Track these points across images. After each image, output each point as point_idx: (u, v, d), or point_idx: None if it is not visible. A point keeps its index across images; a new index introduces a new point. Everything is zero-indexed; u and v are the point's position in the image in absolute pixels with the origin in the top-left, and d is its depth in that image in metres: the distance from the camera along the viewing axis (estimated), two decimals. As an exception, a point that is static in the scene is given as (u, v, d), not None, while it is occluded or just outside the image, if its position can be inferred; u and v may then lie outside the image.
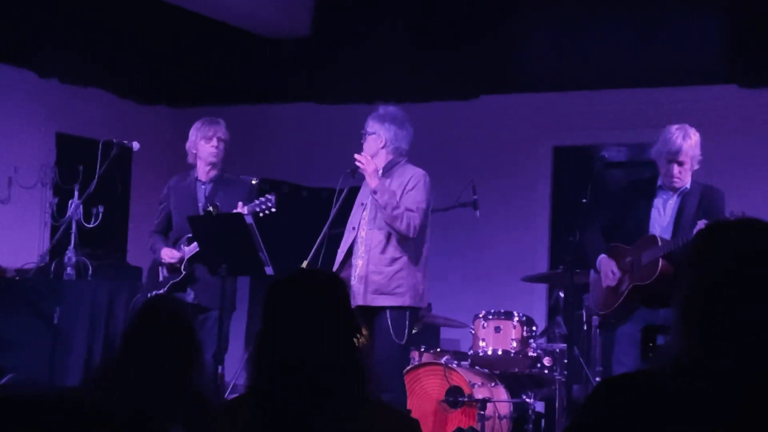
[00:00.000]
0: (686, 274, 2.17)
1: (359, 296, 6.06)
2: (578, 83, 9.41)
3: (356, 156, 6.14)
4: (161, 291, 6.58)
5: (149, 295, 6.61)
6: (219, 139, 6.73)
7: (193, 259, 6.56)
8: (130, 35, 9.84)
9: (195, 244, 6.51)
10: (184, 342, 3.49)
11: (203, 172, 6.75)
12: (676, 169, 6.04)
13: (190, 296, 6.54)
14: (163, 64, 10.31)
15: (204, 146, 6.73)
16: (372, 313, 6.07)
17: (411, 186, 6.12)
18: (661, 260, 5.97)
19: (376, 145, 6.24)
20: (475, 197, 7.94)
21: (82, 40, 9.53)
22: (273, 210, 6.35)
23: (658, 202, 6.17)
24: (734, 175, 8.68)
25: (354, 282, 6.14)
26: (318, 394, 2.79)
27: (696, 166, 6.08)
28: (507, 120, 9.74)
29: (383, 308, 6.05)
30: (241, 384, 7.63)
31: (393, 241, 6.10)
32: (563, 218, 9.24)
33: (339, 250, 6.31)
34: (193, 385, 3.46)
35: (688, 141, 6.01)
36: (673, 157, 6.03)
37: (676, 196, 6.13)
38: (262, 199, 6.36)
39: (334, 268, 6.17)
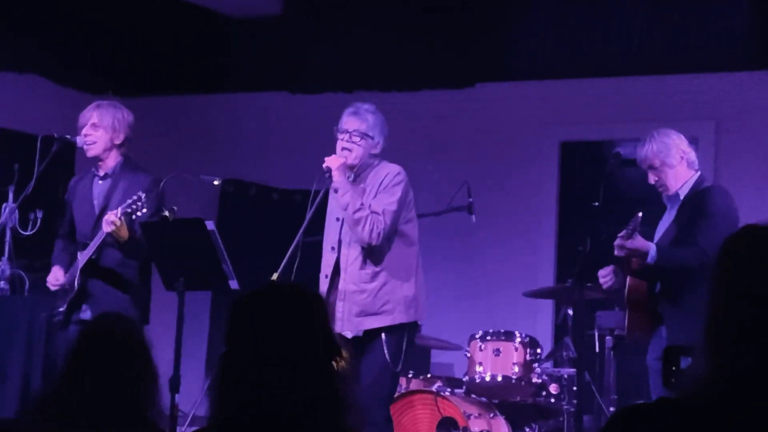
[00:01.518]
0: (711, 287, 2.18)
1: (345, 321, 6.06)
2: (588, 69, 9.43)
3: (327, 159, 6.15)
4: (62, 309, 6.54)
5: (54, 312, 6.59)
6: (94, 126, 6.59)
7: (88, 270, 6.52)
8: (73, 14, 9.81)
9: (86, 251, 6.47)
10: (135, 367, 3.48)
11: (99, 166, 6.71)
12: (649, 176, 6.34)
13: (86, 313, 6.49)
14: (111, 47, 10.28)
15: (79, 138, 6.67)
16: (363, 335, 6.07)
17: (384, 186, 6.12)
18: (628, 278, 6.28)
19: (368, 152, 6.23)
20: (471, 200, 7.95)
21: (17, 20, 9.50)
22: (144, 211, 6.27)
23: (665, 214, 6.44)
24: (762, 169, 8.73)
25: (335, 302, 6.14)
26: (290, 427, 2.79)
27: (676, 165, 6.27)
28: (507, 111, 9.75)
29: (377, 330, 6.05)
30: (201, 415, 7.62)
31: (372, 253, 6.10)
32: (572, 224, 9.25)
33: (321, 275, 6.27)
34: (147, 415, 3.45)
35: (648, 146, 6.32)
36: (641, 163, 6.39)
37: (672, 204, 6.36)
38: (134, 197, 6.29)
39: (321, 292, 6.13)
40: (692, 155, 6.30)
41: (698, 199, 6.21)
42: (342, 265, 6.18)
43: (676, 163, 6.25)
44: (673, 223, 6.25)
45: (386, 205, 6.07)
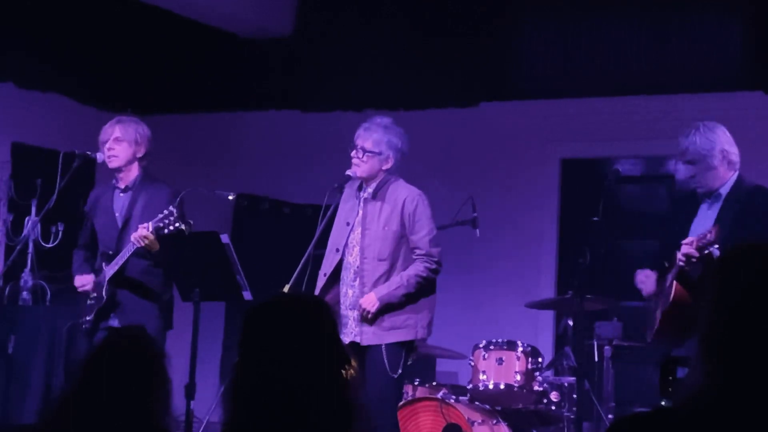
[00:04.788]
0: (706, 299, 2.18)
1: (365, 334, 6.09)
2: (588, 89, 9.42)
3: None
4: (89, 318, 6.54)
5: (81, 320, 6.60)
6: (117, 140, 6.61)
7: (115, 280, 6.52)
8: (92, 35, 9.84)
9: (114, 263, 6.48)
10: (151, 376, 3.47)
11: (120, 179, 6.73)
12: (683, 170, 5.90)
13: (114, 321, 6.49)
14: (129, 66, 10.31)
15: (103, 152, 6.69)
16: (364, 346, 6.10)
17: (411, 219, 6.16)
18: (675, 283, 5.79)
19: (378, 167, 6.24)
20: (475, 214, 7.93)
21: (40, 41, 9.52)
22: (177, 225, 6.28)
23: (700, 212, 5.97)
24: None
25: (346, 311, 6.15)
26: (302, 433, 2.78)
27: (717, 165, 5.82)
28: (510, 129, 9.75)
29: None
30: (215, 421, 7.61)
31: (397, 271, 6.14)
32: (572, 238, 9.24)
33: (320, 272, 6.30)
34: (161, 423, 3.45)
35: (695, 137, 5.85)
36: (680, 156, 5.92)
37: (712, 201, 5.91)
38: (165, 212, 6.31)
39: (316, 293, 6.17)
40: (734, 155, 5.86)
41: (748, 199, 5.77)
42: (359, 278, 6.17)
43: (717, 164, 5.82)
44: (719, 222, 5.70)
45: (426, 236, 6.18)
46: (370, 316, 6.08)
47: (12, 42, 9.38)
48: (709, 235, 5.54)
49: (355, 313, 6.14)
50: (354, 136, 6.30)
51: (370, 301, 6.09)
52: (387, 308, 6.09)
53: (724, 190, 5.87)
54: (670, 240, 6.01)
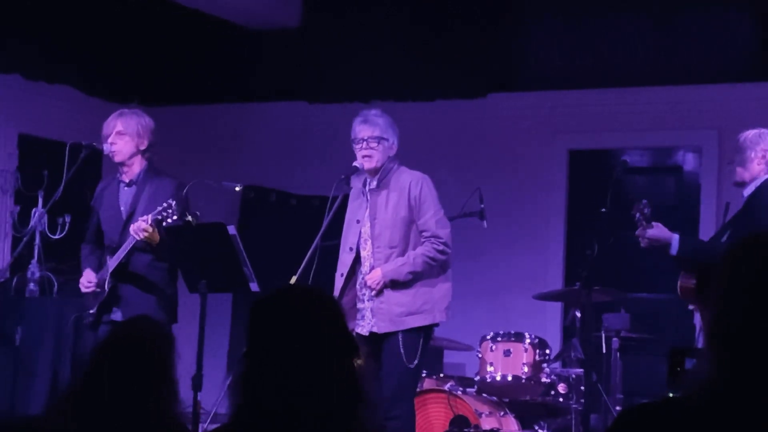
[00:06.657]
0: (713, 290, 2.17)
1: (382, 322, 6.11)
2: (596, 80, 9.41)
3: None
4: (92, 311, 6.54)
5: (85, 314, 6.59)
6: (120, 134, 6.56)
7: (118, 274, 6.52)
8: (99, 26, 9.83)
9: (116, 256, 6.47)
10: (159, 366, 3.47)
11: (124, 172, 6.72)
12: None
13: (117, 315, 6.48)
14: (136, 58, 10.30)
15: (106, 146, 6.68)
16: (382, 335, 6.12)
17: (417, 201, 6.15)
18: (681, 275, 5.81)
19: (387, 154, 6.26)
20: (482, 206, 7.93)
21: (46, 32, 9.52)
22: (174, 218, 6.27)
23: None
24: None
25: (363, 304, 6.17)
26: (310, 424, 2.78)
27: (753, 158, 5.68)
28: (517, 121, 9.74)
29: (395, 331, 6.09)
30: (222, 413, 7.61)
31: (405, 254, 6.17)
32: (580, 229, 9.23)
33: (337, 274, 6.31)
34: (169, 414, 3.45)
35: (753, 131, 5.74)
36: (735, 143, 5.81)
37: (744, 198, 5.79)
38: (164, 205, 6.31)
39: (335, 294, 6.17)
40: None
41: (755, 196, 5.63)
42: (372, 268, 6.20)
43: (753, 156, 5.65)
44: (731, 220, 5.69)
45: (432, 217, 6.20)
46: (374, 292, 6.11)
47: (18, 33, 9.38)
48: (637, 214, 5.55)
49: (372, 305, 6.15)
50: (354, 132, 6.30)
51: (375, 277, 6.12)
52: (393, 285, 6.10)
53: (747, 192, 5.75)
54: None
